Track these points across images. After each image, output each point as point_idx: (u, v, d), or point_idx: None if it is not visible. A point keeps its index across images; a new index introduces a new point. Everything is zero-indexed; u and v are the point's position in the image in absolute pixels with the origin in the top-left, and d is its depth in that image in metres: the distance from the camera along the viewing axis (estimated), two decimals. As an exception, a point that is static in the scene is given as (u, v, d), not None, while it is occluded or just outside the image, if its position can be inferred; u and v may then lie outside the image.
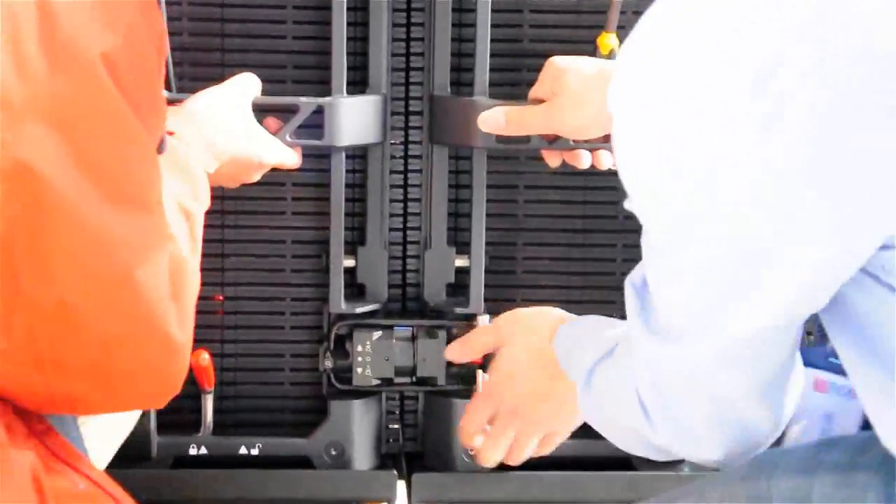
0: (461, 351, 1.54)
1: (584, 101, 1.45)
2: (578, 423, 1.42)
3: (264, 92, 1.50)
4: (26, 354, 1.03)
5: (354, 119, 1.55)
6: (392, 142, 1.62)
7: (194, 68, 1.58)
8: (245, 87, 1.48)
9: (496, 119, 1.51)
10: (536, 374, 1.43)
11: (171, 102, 1.45)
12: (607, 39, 1.53)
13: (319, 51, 1.58)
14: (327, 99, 1.53)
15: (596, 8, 1.58)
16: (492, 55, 1.56)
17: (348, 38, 1.55)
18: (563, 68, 1.47)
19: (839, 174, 0.89)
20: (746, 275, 0.96)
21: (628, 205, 1.02)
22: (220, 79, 1.48)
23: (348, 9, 1.55)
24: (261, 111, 1.48)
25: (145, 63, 1.06)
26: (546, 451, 1.47)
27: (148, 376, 1.09)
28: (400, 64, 1.61)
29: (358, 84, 1.59)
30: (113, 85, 1.01)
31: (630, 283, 1.13)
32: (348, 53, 1.56)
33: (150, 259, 1.06)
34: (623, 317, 1.16)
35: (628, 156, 0.98)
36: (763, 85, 0.88)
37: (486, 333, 1.52)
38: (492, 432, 1.46)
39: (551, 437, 1.46)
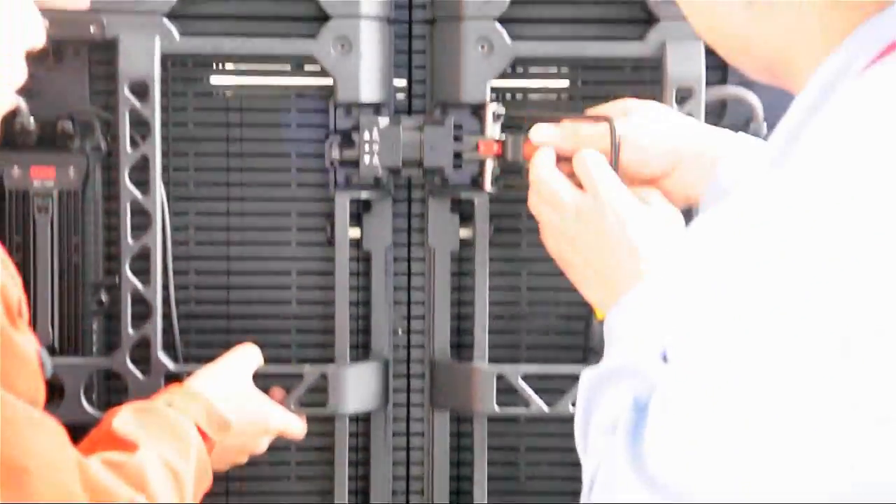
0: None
1: (655, 127, 1.39)
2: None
3: (269, 358, 1.53)
4: None
5: (358, 386, 1.58)
6: (395, 403, 1.64)
7: (200, 336, 1.62)
8: (246, 358, 1.52)
9: (550, 132, 1.43)
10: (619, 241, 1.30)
11: (176, 376, 1.50)
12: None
13: (322, 315, 1.62)
14: (331, 367, 1.56)
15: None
16: (491, 319, 1.58)
17: (350, 303, 1.58)
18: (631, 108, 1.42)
19: None
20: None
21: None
22: (225, 345, 1.52)
23: (351, 273, 1.58)
24: (266, 379, 1.51)
25: None
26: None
27: None
28: (401, 328, 1.64)
29: (360, 348, 1.62)
30: None
31: (633, 396, 0.92)
32: (351, 318, 1.58)
33: None
34: None
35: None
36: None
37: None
38: None
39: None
